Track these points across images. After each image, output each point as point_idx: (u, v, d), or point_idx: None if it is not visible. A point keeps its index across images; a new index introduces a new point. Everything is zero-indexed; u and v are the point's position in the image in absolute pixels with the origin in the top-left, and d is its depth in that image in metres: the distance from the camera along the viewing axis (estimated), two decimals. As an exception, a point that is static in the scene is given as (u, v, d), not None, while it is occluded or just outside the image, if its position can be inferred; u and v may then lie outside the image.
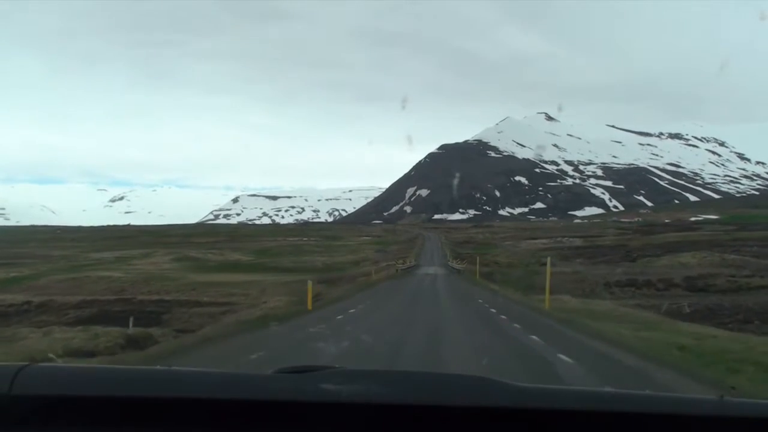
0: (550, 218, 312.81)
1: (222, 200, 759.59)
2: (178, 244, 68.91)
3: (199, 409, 1.36)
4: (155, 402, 1.37)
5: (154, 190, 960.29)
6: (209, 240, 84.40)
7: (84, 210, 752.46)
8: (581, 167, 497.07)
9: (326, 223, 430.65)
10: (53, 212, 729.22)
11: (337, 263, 33.38)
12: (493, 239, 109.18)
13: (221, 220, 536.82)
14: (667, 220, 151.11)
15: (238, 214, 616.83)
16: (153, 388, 1.42)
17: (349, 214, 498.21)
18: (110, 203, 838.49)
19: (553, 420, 1.38)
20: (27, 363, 1.44)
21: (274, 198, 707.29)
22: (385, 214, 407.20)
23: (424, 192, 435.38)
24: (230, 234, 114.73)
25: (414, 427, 1.38)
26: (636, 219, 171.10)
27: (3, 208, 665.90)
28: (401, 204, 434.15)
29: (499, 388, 1.48)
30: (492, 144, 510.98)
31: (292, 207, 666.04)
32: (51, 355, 3.84)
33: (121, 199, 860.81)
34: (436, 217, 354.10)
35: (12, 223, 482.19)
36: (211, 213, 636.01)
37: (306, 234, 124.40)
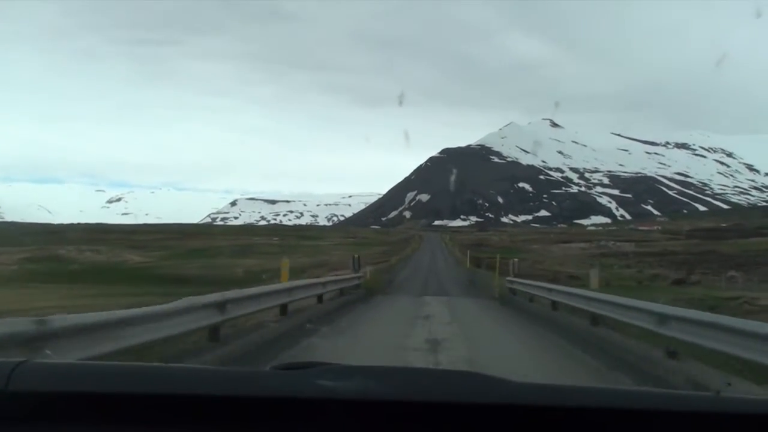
0: (558, 226, 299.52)
1: (220, 203, 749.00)
2: (105, 240, 56.25)
3: (195, 405, 1.36)
4: (151, 398, 1.36)
5: (153, 192, 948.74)
6: (151, 237, 71.78)
7: (81, 210, 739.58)
8: (587, 175, 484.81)
9: (321, 226, 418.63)
10: (50, 212, 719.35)
11: (271, 270, 21.97)
12: (513, 242, 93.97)
13: (219, 224, 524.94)
14: (686, 228, 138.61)
15: (236, 218, 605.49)
16: (149, 384, 1.41)
17: (347, 219, 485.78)
18: (108, 204, 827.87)
19: (550, 416, 1.37)
20: (24, 359, 1.43)
21: (273, 202, 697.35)
22: (384, 219, 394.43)
23: (424, 197, 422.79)
24: (185, 231, 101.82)
25: (411, 424, 1.36)
26: (655, 227, 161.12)
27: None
28: (400, 209, 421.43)
29: (497, 384, 1.47)
30: (495, 149, 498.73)
31: (291, 211, 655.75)
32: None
33: (119, 200, 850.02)
34: (437, 222, 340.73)
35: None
36: (209, 216, 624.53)
37: (280, 234, 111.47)
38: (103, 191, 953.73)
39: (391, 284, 29.21)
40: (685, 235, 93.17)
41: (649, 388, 1.63)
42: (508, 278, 23.30)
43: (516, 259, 25.02)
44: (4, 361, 1.42)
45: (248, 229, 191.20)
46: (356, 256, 23.91)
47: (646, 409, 1.41)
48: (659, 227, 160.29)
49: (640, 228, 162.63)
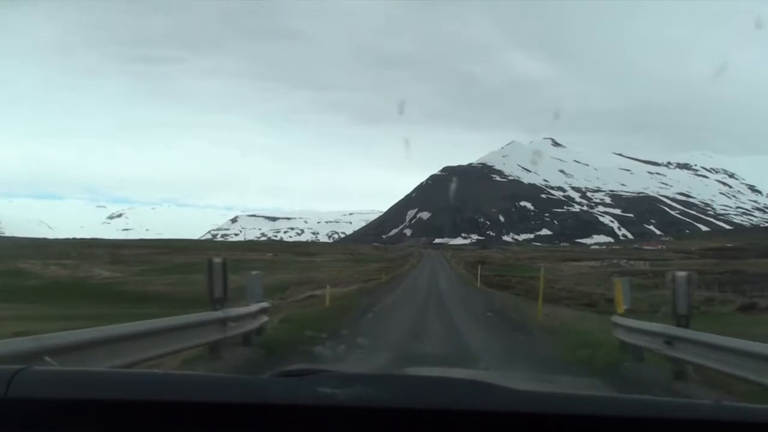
0: (560, 245, 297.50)
1: (221, 220, 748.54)
2: (88, 255, 54.37)
3: (195, 412, 1.36)
4: (151, 405, 1.36)
5: (153, 208, 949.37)
6: (138, 252, 70.16)
7: (82, 226, 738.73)
8: (589, 194, 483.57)
9: (321, 243, 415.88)
10: (50, 227, 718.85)
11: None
12: (518, 260, 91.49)
13: (219, 240, 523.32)
14: (694, 248, 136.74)
15: (236, 234, 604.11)
16: (149, 391, 1.41)
17: (348, 236, 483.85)
18: (108, 220, 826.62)
19: (551, 424, 1.37)
20: (23, 366, 1.43)
21: (274, 219, 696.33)
22: (384, 236, 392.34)
23: (425, 215, 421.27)
24: (178, 246, 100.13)
25: (411, 431, 1.36)
26: (660, 247, 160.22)
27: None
28: (401, 227, 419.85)
29: (496, 391, 1.47)
30: (497, 168, 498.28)
31: (292, 228, 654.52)
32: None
33: (120, 216, 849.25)
34: (438, 240, 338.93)
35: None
36: (209, 232, 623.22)
37: (280, 250, 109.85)
38: (104, 207, 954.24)
39: (363, 318, 17.45)
40: (698, 255, 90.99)
41: (649, 396, 1.61)
42: (619, 320, 10.21)
43: (685, 273, 8.65)
44: (3, 368, 1.42)
45: (247, 245, 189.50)
46: (215, 260, 9.32)
47: (647, 417, 1.41)
48: (664, 246, 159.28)
49: (645, 247, 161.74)
